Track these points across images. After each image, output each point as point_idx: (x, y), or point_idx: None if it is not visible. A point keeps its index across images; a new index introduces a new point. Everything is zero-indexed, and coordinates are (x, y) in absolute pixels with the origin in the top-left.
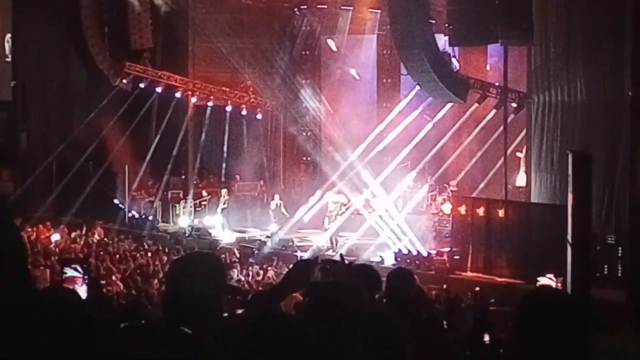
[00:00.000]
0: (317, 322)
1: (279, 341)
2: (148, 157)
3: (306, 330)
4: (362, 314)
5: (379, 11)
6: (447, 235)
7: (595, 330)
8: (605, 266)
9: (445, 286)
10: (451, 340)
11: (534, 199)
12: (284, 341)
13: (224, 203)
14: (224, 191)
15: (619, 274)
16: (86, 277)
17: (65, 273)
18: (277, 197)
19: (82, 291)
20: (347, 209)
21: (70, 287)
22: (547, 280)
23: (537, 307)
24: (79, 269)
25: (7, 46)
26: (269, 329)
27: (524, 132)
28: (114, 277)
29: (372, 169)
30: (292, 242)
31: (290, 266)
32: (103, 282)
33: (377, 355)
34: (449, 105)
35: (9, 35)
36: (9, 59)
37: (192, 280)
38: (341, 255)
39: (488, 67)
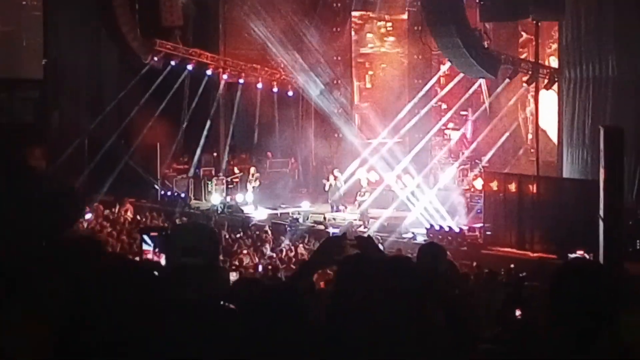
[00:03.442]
0: (347, 294)
1: (282, 313)
2: (180, 135)
3: (311, 305)
4: (389, 288)
5: None
6: (479, 211)
7: (627, 306)
8: (638, 241)
9: (475, 264)
10: (482, 316)
11: (565, 174)
12: (288, 314)
13: (255, 180)
14: (252, 169)
15: None
16: (157, 249)
17: (145, 242)
18: (331, 177)
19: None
20: (377, 186)
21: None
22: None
23: (570, 277)
24: (149, 240)
25: None
26: (273, 301)
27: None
28: (149, 256)
29: (404, 145)
30: (324, 218)
31: (321, 242)
32: (137, 259)
33: (403, 331)
34: (481, 80)
35: None
36: None
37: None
38: (369, 236)
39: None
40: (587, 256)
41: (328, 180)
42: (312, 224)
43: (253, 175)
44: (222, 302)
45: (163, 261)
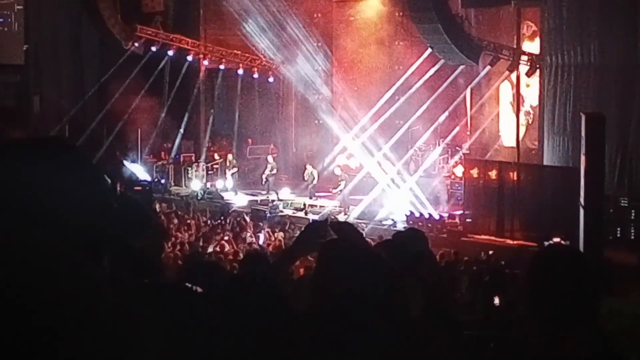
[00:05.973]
0: (327, 278)
1: (258, 300)
2: (160, 121)
3: (286, 293)
4: (370, 272)
5: None
6: (459, 198)
7: (607, 293)
8: (618, 229)
9: (453, 251)
10: (462, 302)
11: (546, 161)
12: (267, 302)
13: (233, 167)
14: (229, 156)
15: (632, 237)
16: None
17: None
18: (309, 167)
19: None
20: (357, 173)
21: None
22: None
23: (548, 262)
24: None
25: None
26: (253, 287)
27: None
28: None
29: (384, 132)
30: (304, 205)
31: (302, 228)
32: None
33: (381, 314)
34: (461, 67)
35: None
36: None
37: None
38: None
39: None
40: (563, 243)
41: (306, 169)
42: (293, 211)
43: (230, 162)
44: (185, 284)
45: None
